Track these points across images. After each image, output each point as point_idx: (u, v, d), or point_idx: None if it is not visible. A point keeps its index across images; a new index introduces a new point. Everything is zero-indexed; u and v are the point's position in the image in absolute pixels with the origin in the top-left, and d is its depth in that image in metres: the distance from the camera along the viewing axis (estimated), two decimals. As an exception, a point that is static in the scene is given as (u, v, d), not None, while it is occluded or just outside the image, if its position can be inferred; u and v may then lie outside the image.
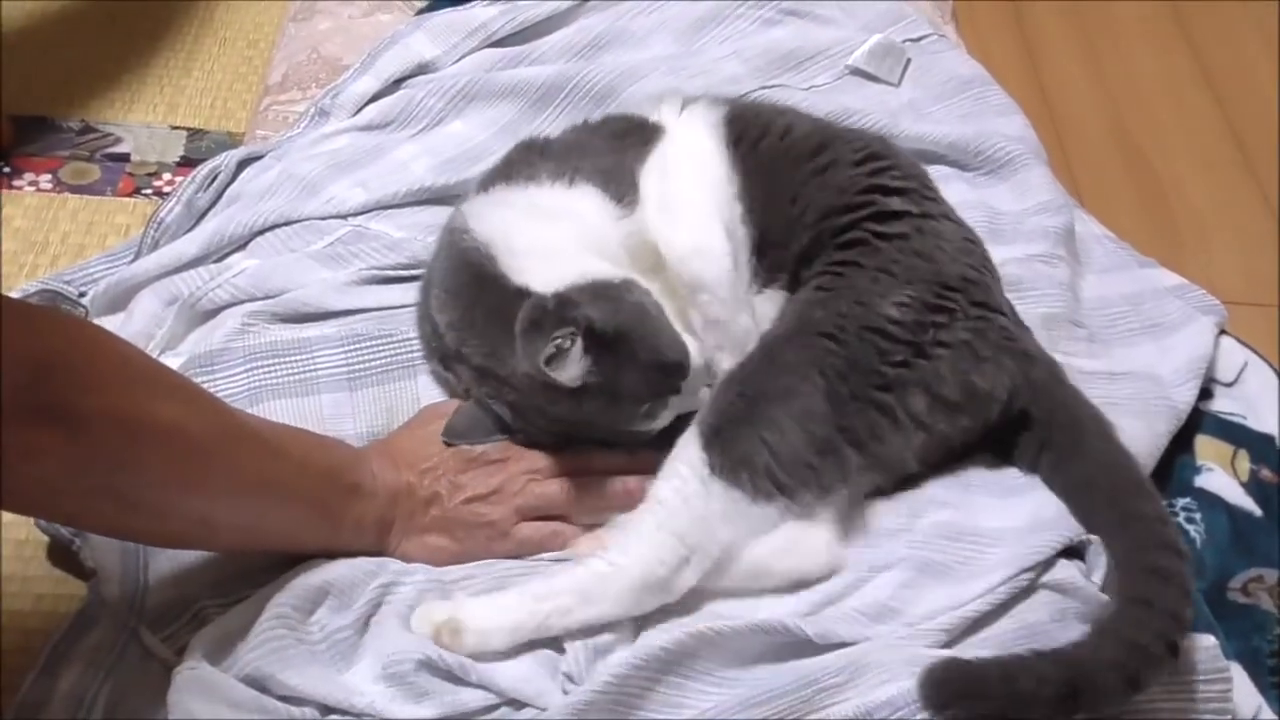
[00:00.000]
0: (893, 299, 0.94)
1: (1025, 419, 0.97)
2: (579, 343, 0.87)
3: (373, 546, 0.91)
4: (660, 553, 0.86)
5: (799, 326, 0.95)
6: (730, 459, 0.88)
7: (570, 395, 0.90)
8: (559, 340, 0.86)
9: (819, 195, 1.01)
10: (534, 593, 0.86)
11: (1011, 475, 0.98)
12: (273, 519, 0.87)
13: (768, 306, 1.00)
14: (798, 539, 0.90)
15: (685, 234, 0.96)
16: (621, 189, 0.98)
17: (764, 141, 1.04)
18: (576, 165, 1.00)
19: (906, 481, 0.96)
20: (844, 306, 0.94)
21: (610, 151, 1.03)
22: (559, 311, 0.88)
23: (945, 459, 0.97)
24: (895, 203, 1.00)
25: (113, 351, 0.79)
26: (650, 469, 0.91)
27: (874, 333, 0.93)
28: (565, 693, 0.83)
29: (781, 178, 1.02)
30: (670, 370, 0.92)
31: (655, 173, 1.00)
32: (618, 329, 0.90)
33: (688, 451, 0.89)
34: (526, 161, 1.04)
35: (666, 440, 0.93)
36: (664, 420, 0.94)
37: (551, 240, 0.96)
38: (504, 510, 0.93)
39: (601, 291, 0.92)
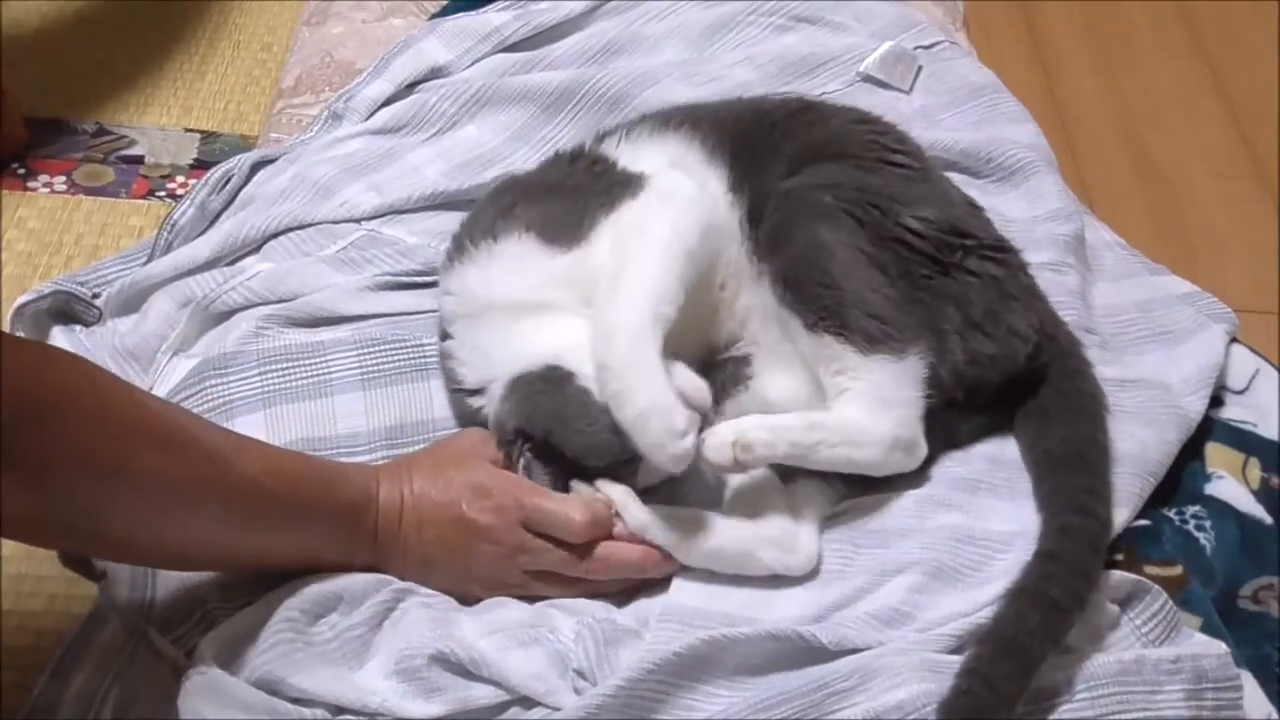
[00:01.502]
0: (915, 212, 0.97)
1: (1037, 381, 0.98)
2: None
3: (361, 570, 0.91)
4: (897, 416, 0.92)
5: (809, 208, 0.96)
6: (863, 338, 0.92)
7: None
8: (524, 460, 0.92)
9: (814, 140, 1.03)
10: (810, 420, 0.91)
11: (1020, 478, 0.98)
12: (251, 557, 0.87)
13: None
14: (788, 535, 0.92)
15: (606, 313, 0.91)
16: (562, 234, 0.98)
17: (730, 118, 1.06)
18: (513, 214, 1.00)
19: (911, 482, 0.97)
20: (854, 196, 0.96)
21: (563, 194, 1.02)
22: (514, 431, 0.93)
23: (972, 401, 0.98)
24: (902, 158, 1.03)
25: (95, 395, 0.76)
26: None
27: (896, 242, 0.96)
28: (576, 691, 0.83)
29: (763, 140, 1.04)
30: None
31: (610, 239, 0.97)
32: (545, 436, 0.92)
33: (833, 350, 0.93)
34: (474, 223, 1.04)
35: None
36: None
37: (485, 339, 0.97)
38: (490, 597, 0.92)
39: (525, 392, 0.93)
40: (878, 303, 0.93)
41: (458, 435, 0.98)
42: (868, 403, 0.92)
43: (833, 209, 0.96)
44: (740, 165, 1.04)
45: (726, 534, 0.91)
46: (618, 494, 0.92)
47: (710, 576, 0.92)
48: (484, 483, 0.91)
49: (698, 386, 0.92)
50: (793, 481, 0.95)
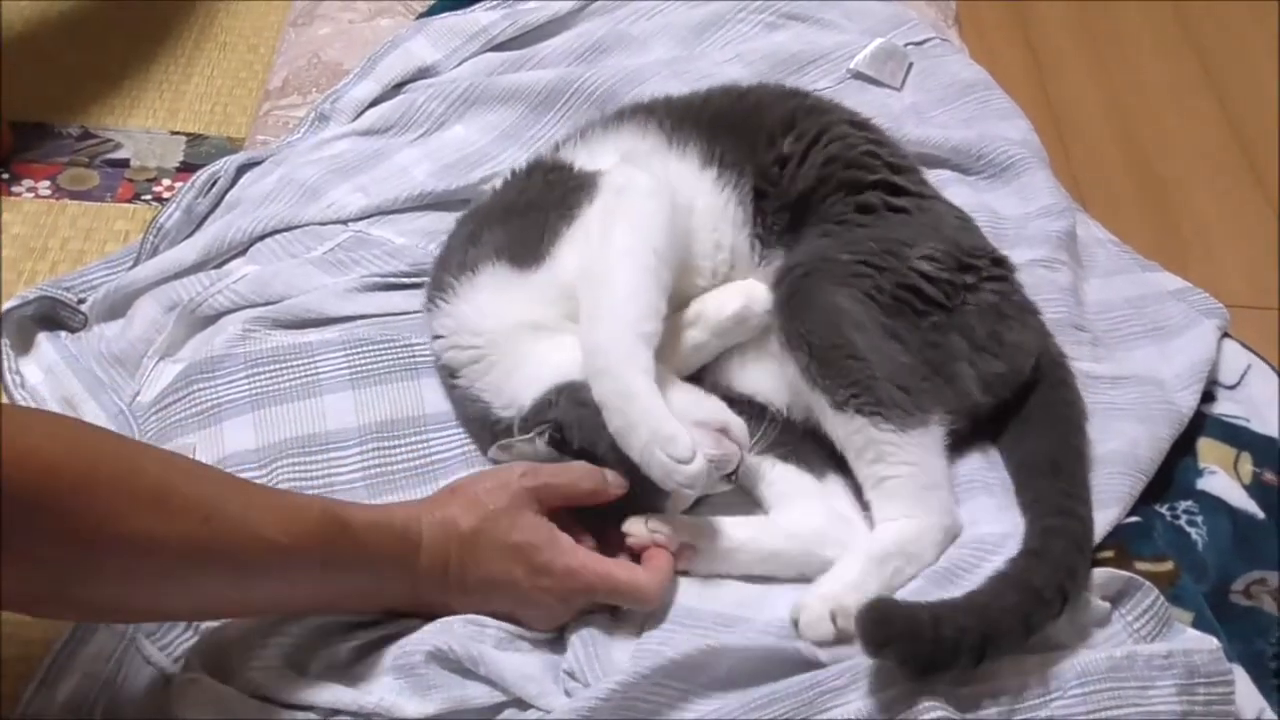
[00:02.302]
0: (921, 251, 0.97)
1: (1026, 390, 0.99)
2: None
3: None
4: (940, 504, 0.92)
5: (827, 269, 0.96)
6: (898, 413, 0.91)
7: None
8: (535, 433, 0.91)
9: (820, 142, 1.03)
10: (871, 556, 0.89)
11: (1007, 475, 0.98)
12: (262, 609, 0.84)
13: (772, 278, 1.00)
14: (850, 529, 0.92)
15: (589, 346, 0.90)
16: (527, 253, 0.97)
17: (707, 109, 1.06)
18: (480, 244, 0.99)
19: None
20: (870, 248, 0.96)
21: (521, 211, 1.01)
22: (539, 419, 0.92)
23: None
24: (898, 179, 1.04)
25: (78, 463, 0.70)
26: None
27: (909, 291, 0.95)
28: (568, 693, 0.83)
29: (750, 123, 1.04)
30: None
31: (579, 245, 0.97)
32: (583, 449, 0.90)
33: (867, 434, 0.91)
34: (448, 260, 1.02)
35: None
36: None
37: (499, 375, 0.96)
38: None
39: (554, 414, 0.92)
40: (902, 373, 0.93)
41: (503, 473, 0.89)
42: (911, 494, 0.91)
43: (849, 269, 0.95)
44: (725, 141, 1.03)
45: (787, 535, 0.92)
46: (668, 528, 0.90)
47: (703, 575, 0.91)
48: (547, 560, 0.85)
49: (738, 424, 0.92)
50: (823, 477, 0.96)
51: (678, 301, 0.97)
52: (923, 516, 0.91)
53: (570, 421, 0.91)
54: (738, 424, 0.92)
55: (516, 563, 0.85)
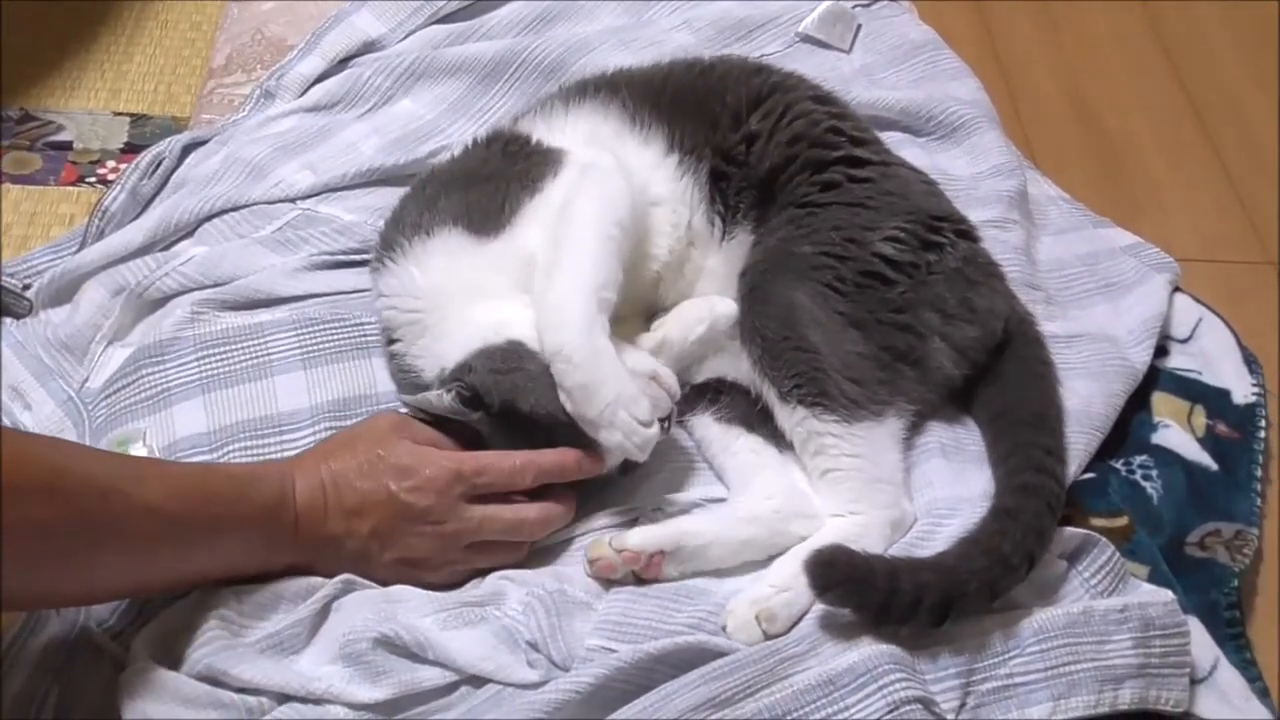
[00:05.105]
0: (884, 234, 0.96)
1: (999, 350, 0.99)
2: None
3: (285, 571, 0.88)
4: (886, 498, 0.91)
5: (790, 265, 0.95)
6: (843, 404, 0.91)
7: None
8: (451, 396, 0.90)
9: (785, 119, 1.03)
10: (805, 558, 0.86)
11: (968, 437, 0.98)
12: (162, 583, 0.85)
13: (735, 253, 1.01)
14: (806, 504, 0.92)
15: (551, 299, 0.90)
16: (486, 221, 0.96)
17: (668, 86, 1.05)
18: (437, 208, 0.98)
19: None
20: (830, 238, 0.96)
21: (481, 180, 1.00)
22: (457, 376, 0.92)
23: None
24: (861, 151, 1.03)
25: None
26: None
27: (871, 276, 0.95)
28: (530, 664, 0.83)
29: (713, 101, 1.04)
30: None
31: (541, 217, 0.96)
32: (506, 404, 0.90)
33: (809, 425, 0.91)
34: (401, 221, 1.01)
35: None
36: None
37: (435, 336, 0.95)
38: (438, 577, 0.89)
39: (490, 366, 0.91)
40: (857, 365, 0.92)
41: (372, 419, 0.93)
42: (855, 488, 0.91)
43: (810, 262, 0.95)
44: (686, 124, 1.03)
45: (750, 519, 0.91)
46: (635, 540, 0.89)
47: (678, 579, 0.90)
48: (411, 463, 0.87)
49: (667, 373, 0.92)
50: (786, 449, 0.95)
51: (634, 286, 0.97)
52: (868, 511, 0.91)
53: (487, 385, 0.90)
54: (666, 372, 0.92)
55: (385, 473, 0.87)
